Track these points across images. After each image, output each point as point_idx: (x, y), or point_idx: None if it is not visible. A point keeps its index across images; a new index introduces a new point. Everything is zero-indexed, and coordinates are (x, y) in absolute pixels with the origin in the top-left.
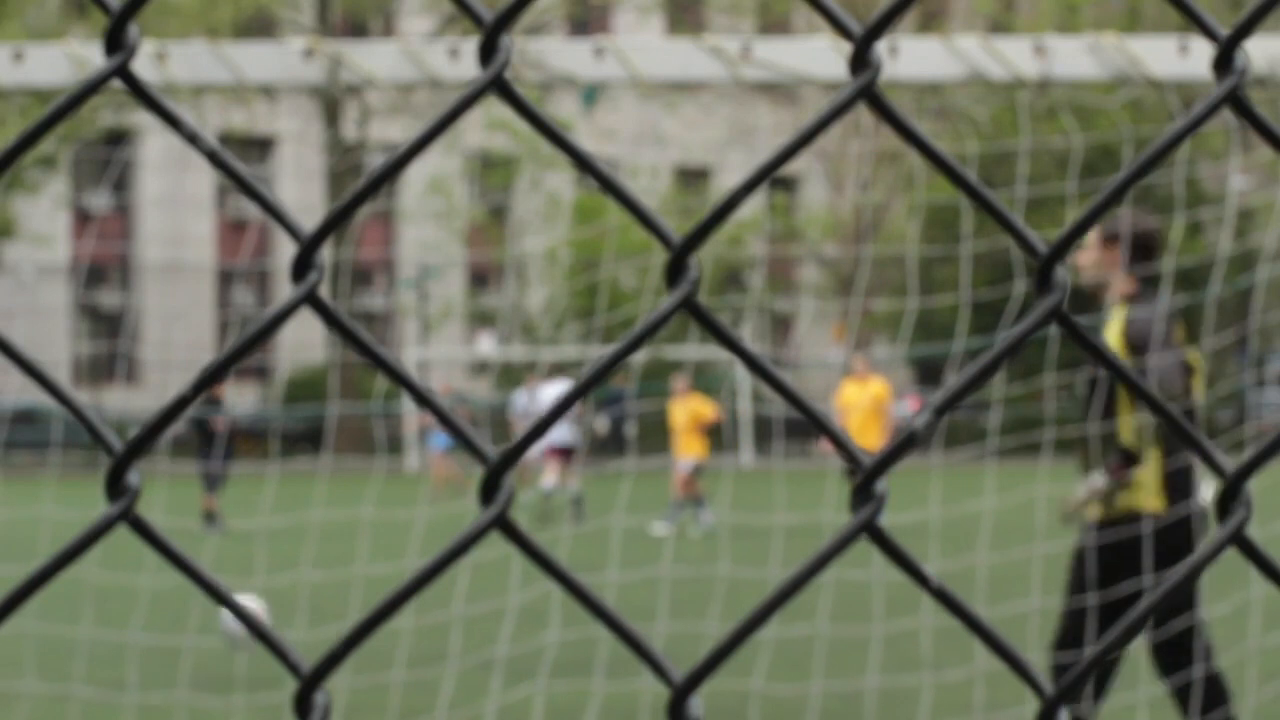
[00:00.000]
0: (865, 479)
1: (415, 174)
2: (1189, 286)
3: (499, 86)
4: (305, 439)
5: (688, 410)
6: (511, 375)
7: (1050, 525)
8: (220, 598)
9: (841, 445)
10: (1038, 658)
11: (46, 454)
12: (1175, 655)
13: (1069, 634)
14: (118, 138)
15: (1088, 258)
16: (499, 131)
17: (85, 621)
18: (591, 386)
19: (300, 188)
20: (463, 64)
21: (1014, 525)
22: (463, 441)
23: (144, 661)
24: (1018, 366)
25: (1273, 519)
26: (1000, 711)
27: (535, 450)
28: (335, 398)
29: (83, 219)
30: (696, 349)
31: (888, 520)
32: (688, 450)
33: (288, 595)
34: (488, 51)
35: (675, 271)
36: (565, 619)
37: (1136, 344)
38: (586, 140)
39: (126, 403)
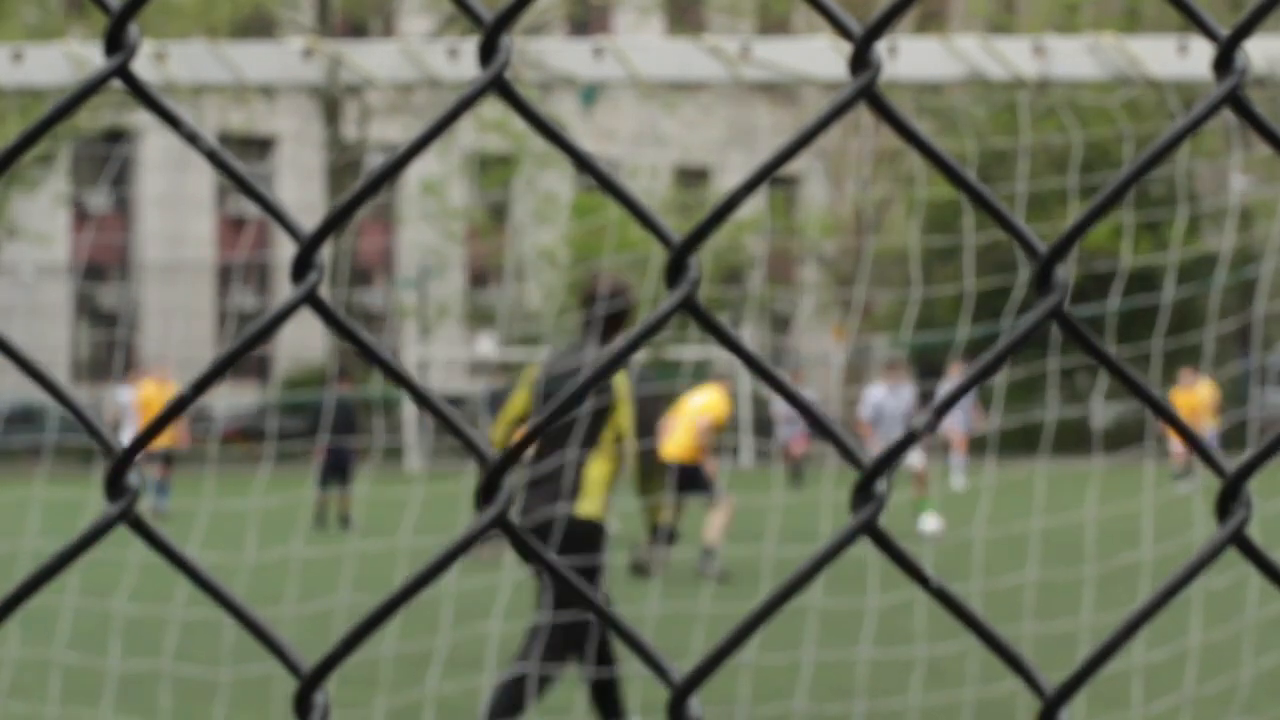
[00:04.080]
0: (865, 479)
1: (415, 174)
2: (1189, 281)
3: (499, 86)
4: (303, 437)
5: None
6: (511, 375)
7: (1049, 505)
8: (219, 596)
9: (841, 444)
10: (1034, 633)
11: (43, 453)
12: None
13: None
14: (117, 136)
15: None
16: (495, 132)
17: (70, 590)
18: (593, 385)
19: (300, 187)
20: (463, 64)
21: (1012, 512)
22: (462, 440)
23: (128, 631)
24: (1018, 362)
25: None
26: (993, 685)
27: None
28: (331, 397)
29: (82, 217)
30: (697, 349)
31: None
32: None
33: (278, 570)
34: (488, 51)
35: (675, 271)
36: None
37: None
38: (586, 140)
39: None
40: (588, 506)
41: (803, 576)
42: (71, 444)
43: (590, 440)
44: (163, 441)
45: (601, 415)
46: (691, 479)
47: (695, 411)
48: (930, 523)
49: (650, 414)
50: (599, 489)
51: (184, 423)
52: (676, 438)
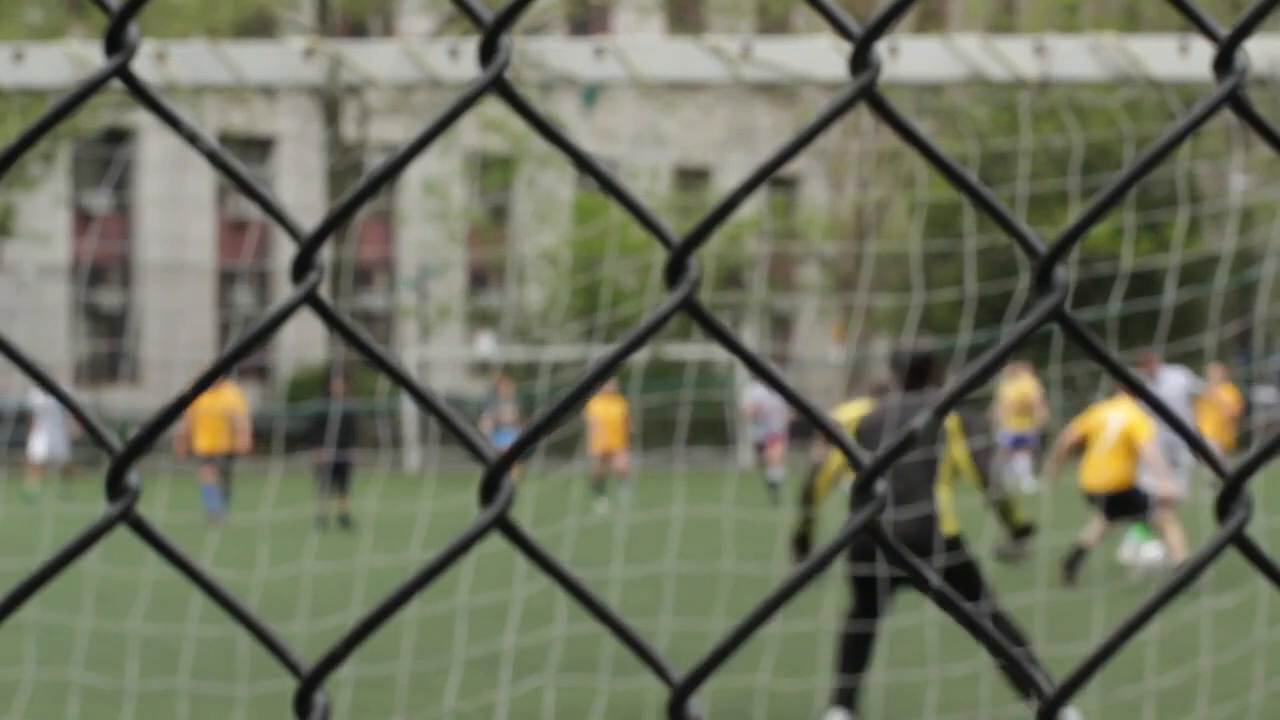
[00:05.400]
0: (865, 479)
1: (415, 174)
2: (1189, 282)
3: (499, 86)
4: (306, 438)
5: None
6: (512, 376)
7: (1055, 518)
8: (219, 596)
9: (842, 444)
10: (1043, 651)
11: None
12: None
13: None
14: (118, 137)
15: None
16: (495, 132)
17: (86, 610)
18: (594, 385)
19: (300, 188)
20: (463, 64)
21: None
22: (462, 441)
23: (145, 649)
24: (1022, 362)
25: (1273, 512)
26: (1005, 707)
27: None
28: (338, 397)
29: (83, 218)
30: (699, 349)
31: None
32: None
33: (289, 587)
34: (488, 51)
35: (675, 271)
36: (572, 613)
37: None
38: (586, 141)
39: (128, 402)
40: (949, 525)
41: (804, 575)
42: (79, 455)
43: (934, 475)
44: (222, 449)
45: (939, 451)
46: (1127, 504)
47: (1130, 434)
48: (1150, 550)
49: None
50: (952, 510)
51: (246, 427)
52: (1105, 462)
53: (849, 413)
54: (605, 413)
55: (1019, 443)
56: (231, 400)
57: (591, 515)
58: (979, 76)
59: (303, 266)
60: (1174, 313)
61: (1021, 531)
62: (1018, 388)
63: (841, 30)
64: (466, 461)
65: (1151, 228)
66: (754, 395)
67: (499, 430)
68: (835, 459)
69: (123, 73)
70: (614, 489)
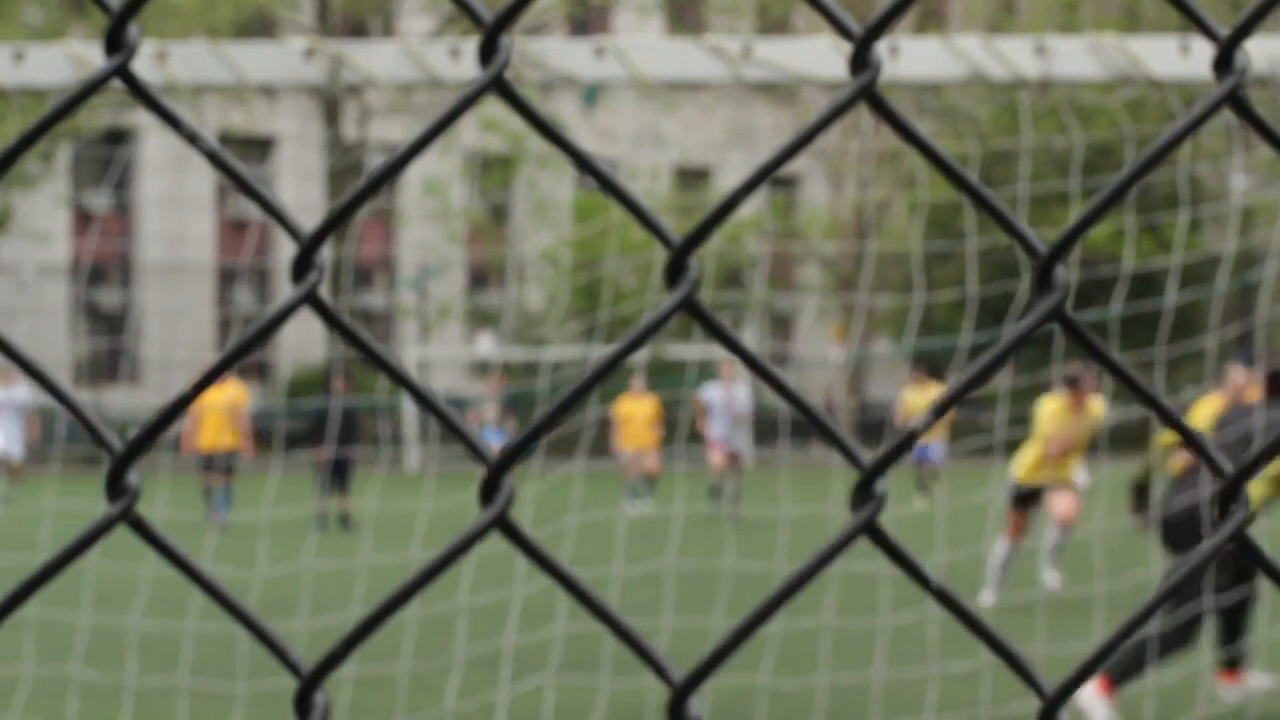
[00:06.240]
0: (865, 479)
1: (415, 174)
2: (1190, 284)
3: (499, 86)
4: (307, 437)
5: (644, 407)
6: (511, 376)
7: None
8: (218, 595)
9: (840, 444)
10: (1045, 650)
11: (50, 451)
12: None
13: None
14: (118, 137)
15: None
16: (494, 132)
17: (85, 606)
18: (594, 385)
19: (300, 188)
20: (463, 64)
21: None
22: (463, 441)
23: (145, 646)
24: (1022, 362)
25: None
26: (1006, 705)
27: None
28: (338, 396)
29: (83, 218)
30: (699, 349)
31: (893, 514)
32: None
33: (289, 586)
34: (488, 51)
35: (675, 271)
36: (572, 612)
37: None
38: (586, 141)
39: (128, 402)
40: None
41: (804, 575)
42: (79, 452)
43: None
44: (225, 447)
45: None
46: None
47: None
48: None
49: None
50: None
51: (247, 428)
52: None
53: (1206, 408)
54: (634, 411)
55: (923, 455)
56: (235, 395)
57: (619, 513)
58: (979, 76)
59: (303, 266)
60: (1175, 314)
61: None
62: (925, 397)
63: (841, 30)
64: (466, 460)
65: (1152, 229)
66: (705, 395)
67: (480, 428)
68: (1167, 436)
69: (123, 73)
70: (640, 489)
